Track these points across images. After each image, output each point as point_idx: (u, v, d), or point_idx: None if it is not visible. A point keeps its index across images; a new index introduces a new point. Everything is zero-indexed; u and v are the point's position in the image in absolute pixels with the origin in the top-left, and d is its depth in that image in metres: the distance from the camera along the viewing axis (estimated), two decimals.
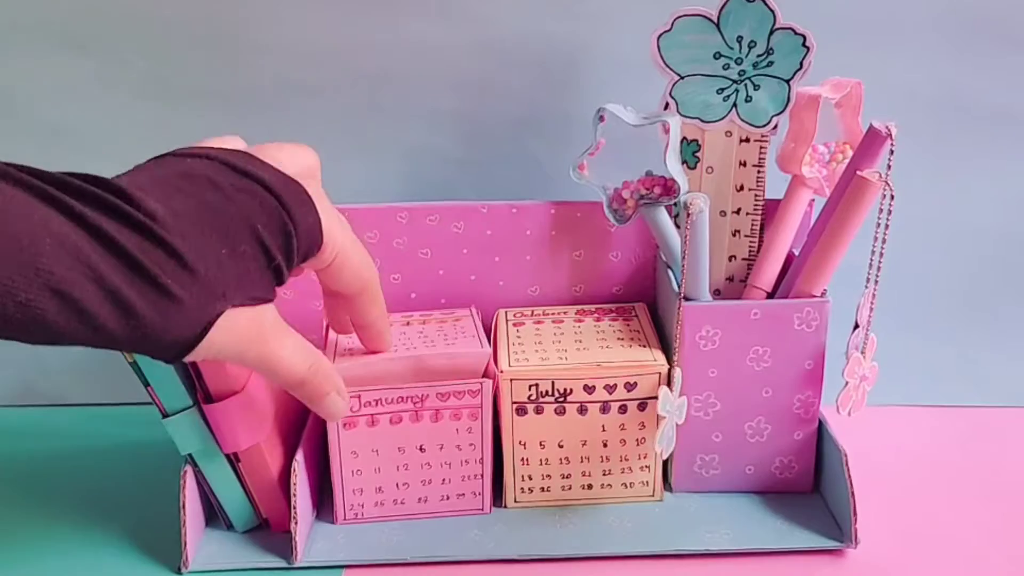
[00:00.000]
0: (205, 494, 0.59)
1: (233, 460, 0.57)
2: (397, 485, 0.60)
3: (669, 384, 0.57)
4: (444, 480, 0.60)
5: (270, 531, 0.59)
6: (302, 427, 0.62)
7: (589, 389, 0.58)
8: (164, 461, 0.62)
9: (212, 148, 0.42)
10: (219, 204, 0.39)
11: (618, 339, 0.62)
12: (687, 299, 0.58)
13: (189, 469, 0.57)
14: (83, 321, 0.36)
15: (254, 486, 0.58)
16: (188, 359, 0.41)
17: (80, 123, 0.71)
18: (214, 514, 0.60)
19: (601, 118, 0.59)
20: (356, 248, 0.48)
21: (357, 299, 0.49)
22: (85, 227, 0.35)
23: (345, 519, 0.60)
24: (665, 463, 0.62)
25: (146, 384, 0.54)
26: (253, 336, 0.42)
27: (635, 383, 0.58)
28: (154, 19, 0.68)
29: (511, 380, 0.58)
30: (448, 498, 0.61)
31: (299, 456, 0.57)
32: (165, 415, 0.55)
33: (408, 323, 0.64)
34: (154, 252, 0.36)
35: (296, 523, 0.56)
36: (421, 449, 0.59)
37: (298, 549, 0.56)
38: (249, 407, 0.55)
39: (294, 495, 0.56)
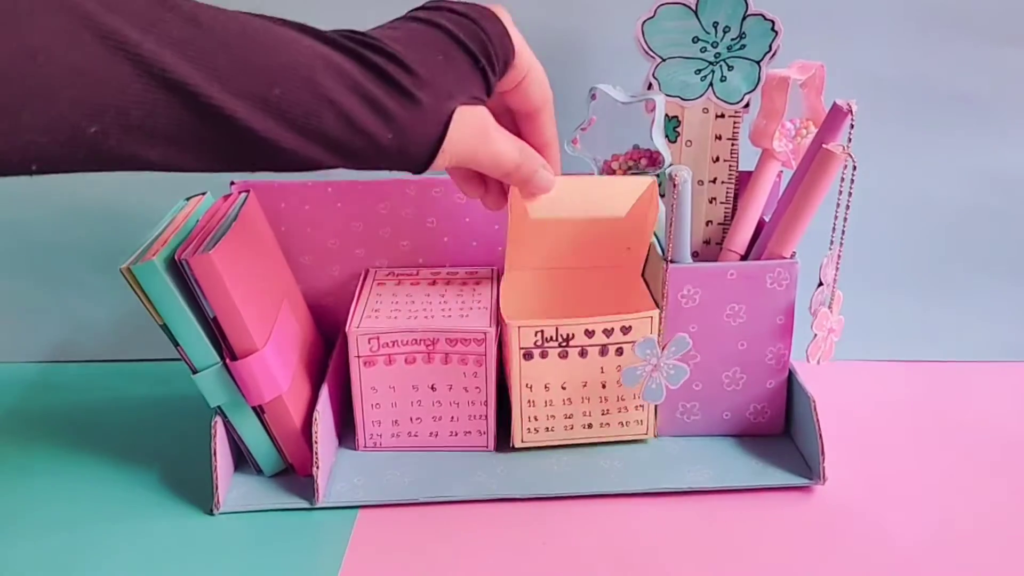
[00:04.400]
0: (235, 441, 0.63)
1: (259, 411, 0.61)
2: (411, 419, 0.65)
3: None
4: (453, 417, 0.66)
5: (295, 475, 0.64)
6: (325, 371, 0.66)
7: (589, 333, 0.62)
8: (196, 412, 0.65)
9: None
10: (424, 28, 0.47)
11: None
12: (671, 261, 0.62)
13: (219, 420, 0.61)
14: (353, 128, 0.42)
15: (279, 434, 0.62)
16: (438, 164, 0.47)
17: None
18: (243, 459, 0.64)
19: (593, 97, 0.64)
20: (542, 73, 0.54)
21: (540, 115, 0.55)
22: (341, 49, 0.42)
23: (365, 447, 0.66)
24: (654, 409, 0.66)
25: (176, 344, 0.58)
26: (480, 132, 0.49)
27: (630, 327, 0.62)
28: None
29: (518, 327, 0.62)
30: (456, 434, 0.66)
31: (319, 407, 0.61)
32: (194, 371, 0.59)
33: (434, 282, 0.70)
34: (392, 65, 0.43)
35: (318, 468, 0.60)
36: (432, 388, 0.65)
37: (319, 492, 0.60)
38: (270, 363, 0.59)
39: (316, 443, 0.60)
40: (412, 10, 0.49)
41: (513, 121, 0.56)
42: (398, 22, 0.48)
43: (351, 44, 0.43)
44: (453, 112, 0.46)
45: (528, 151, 0.54)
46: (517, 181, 0.55)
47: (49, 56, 0.33)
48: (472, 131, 0.48)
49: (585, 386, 0.64)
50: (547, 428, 0.65)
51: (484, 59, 0.48)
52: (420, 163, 0.47)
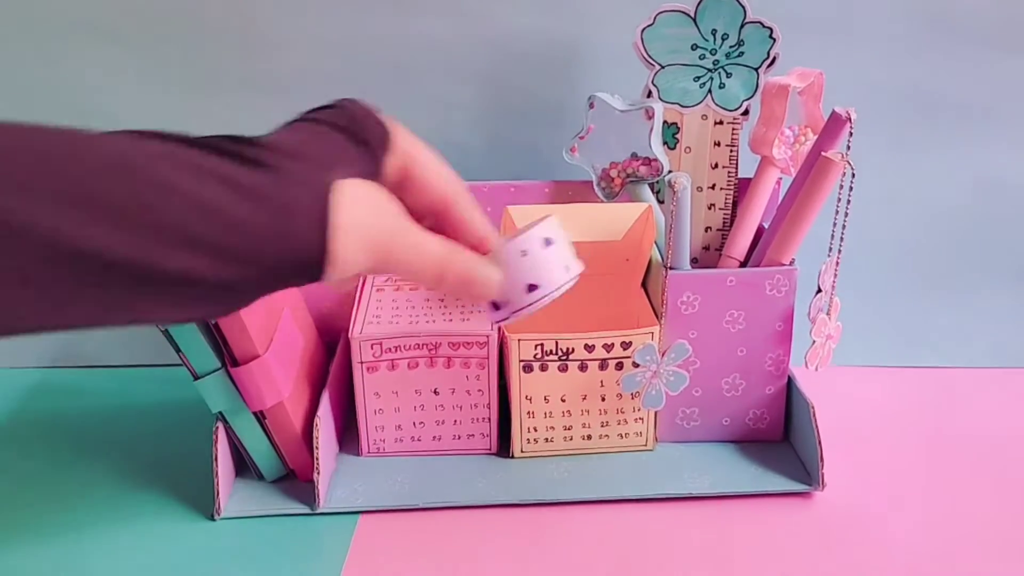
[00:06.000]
0: (236, 447, 0.63)
1: (260, 417, 0.61)
2: (414, 424, 0.66)
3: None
4: (456, 421, 0.66)
5: (296, 480, 0.64)
6: (325, 377, 0.67)
7: (589, 348, 0.63)
8: (198, 418, 0.65)
9: None
10: (290, 123, 0.41)
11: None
12: (671, 268, 0.63)
13: (220, 425, 0.61)
14: (207, 212, 0.34)
15: (280, 440, 0.62)
16: (343, 256, 0.37)
17: (124, 111, 0.74)
18: (244, 465, 0.64)
19: (591, 105, 0.64)
20: (437, 159, 0.45)
21: (454, 209, 0.44)
22: (170, 140, 0.36)
23: (369, 452, 0.66)
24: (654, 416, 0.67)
25: (178, 350, 0.58)
26: (382, 210, 0.39)
27: (630, 342, 0.63)
28: (188, 17, 0.73)
29: (519, 340, 0.62)
30: (459, 438, 0.66)
31: (320, 412, 0.61)
32: (196, 377, 0.59)
33: None
34: (228, 141, 0.37)
35: (319, 474, 0.60)
36: (435, 392, 0.65)
37: (320, 497, 0.61)
38: (272, 369, 0.59)
39: (317, 448, 0.60)
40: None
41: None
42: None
43: (179, 136, 0.37)
44: (331, 184, 0.37)
45: (453, 244, 0.43)
46: (453, 282, 0.42)
47: None
48: (370, 208, 0.39)
49: (585, 399, 0.65)
50: (547, 439, 0.66)
51: (361, 136, 0.41)
52: (311, 248, 0.36)
